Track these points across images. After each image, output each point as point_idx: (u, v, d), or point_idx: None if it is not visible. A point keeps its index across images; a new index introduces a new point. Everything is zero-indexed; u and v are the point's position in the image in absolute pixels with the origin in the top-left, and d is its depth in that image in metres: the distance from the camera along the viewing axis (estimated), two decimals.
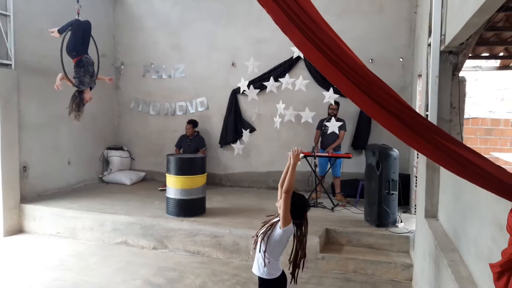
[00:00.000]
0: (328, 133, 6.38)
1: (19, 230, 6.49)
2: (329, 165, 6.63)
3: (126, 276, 4.79)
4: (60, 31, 4.64)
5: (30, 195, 6.75)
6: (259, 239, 3.00)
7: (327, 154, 6.55)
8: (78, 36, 4.61)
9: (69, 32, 4.77)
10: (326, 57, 1.94)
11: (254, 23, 7.68)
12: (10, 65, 6.42)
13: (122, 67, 8.78)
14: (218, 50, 8.10)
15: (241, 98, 7.94)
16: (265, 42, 7.63)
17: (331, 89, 6.03)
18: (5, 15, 6.34)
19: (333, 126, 6.18)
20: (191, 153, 7.41)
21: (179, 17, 8.35)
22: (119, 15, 8.80)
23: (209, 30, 8.13)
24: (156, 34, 8.50)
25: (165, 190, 6.22)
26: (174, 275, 4.84)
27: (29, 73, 6.59)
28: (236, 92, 7.85)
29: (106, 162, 8.48)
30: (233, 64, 8.00)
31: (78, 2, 4.99)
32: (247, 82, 6.71)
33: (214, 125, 8.23)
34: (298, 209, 2.98)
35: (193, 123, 7.75)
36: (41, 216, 6.39)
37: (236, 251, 5.29)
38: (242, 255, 5.24)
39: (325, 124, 6.57)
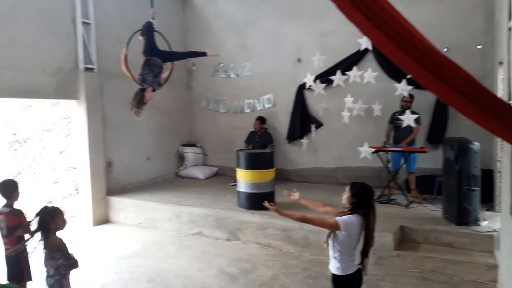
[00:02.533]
0: (402, 126, 6.13)
1: (105, 220, 7.12)
2: (402, 160, 6.37)
3: (202, 265, 5.06)
4: (142, 34, 4.99)
5: (114, 188, 7.37)
6: (328, 237, 3.02)
7: (400, 149, 6.31)
8: (149, 37, 4.88)
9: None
10: (394, 41, 1.89)
11: (319, 17, 7.63)
12: (93, 69, 7.04)
13: (194, 68, 9.20)
14: (284, 46, 8.17)
15: (307, 94, 7.94)
16: (331, 36, 7.55)
17: (404, 81, 5.82)
18: (87, 23, 6.97)
19: (408, 119, 5.94)
20: (260, 148, 7.58)
21: (244, 16, 8.56)
22: (188, 18, 9.24)
23: (274, 27, 8.23)
24: (223, 35, 8.79)
25: (235, 185, 6.45)
26: (247, 266, 5.01)
27: (110, 76, 7.10)
28: (302, 87, 7.87)
29: (181, 158, 9.01)
30: (298, 60, 8.02)
31: (152, 7, 5.32)
32: (313, 77, 6.70)
33: (281, 121, 8.32)
34: (363, 198, 2.96)
35: (261, 119, 7.93)
36: (124, 207, 6.97)
37: (307, 246, 5.33)
38: (313, 249, 5.26)
39: (398, 118, 6.33)
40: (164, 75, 4.96)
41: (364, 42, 5.95)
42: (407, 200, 6.14)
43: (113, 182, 7.38)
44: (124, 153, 7.65)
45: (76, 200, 7.83)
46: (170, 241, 6.04)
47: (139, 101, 4.54)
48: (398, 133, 6.53)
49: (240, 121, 8.66)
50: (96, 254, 5.51)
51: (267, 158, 6.28)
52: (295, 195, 3.47)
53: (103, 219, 7.10)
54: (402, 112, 6.15)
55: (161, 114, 8.38)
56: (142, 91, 4.59)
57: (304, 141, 7.26)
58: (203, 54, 5.24)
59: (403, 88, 5.87)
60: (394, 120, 6.57)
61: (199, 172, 8.66)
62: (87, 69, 6.92)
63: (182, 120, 9.23)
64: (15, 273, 3.63)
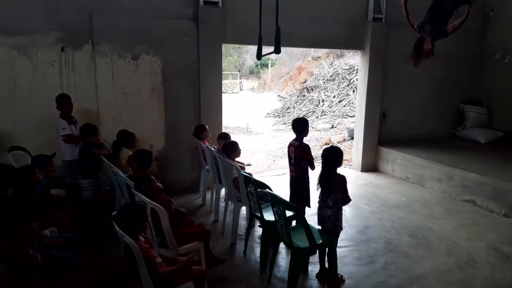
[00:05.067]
0: None
1: (373, 168, 7.49)
2: None
3: (470, 235, 4.66)
4: None
5: (386, 139, 7.54)
6: None
7: None
8: None
9: None
10: None
11: None
12: (381, 19, 7.06)
13: (491, 14, 7.87)
14: None
15: None
16: None
17: None
18: None
19: None
20: None
21: None
22: None
23: None
24: None
25: None
26: None
27: (396, 26, 6.87)
28: None
29: (460, 117, 8.19)
30: None
31: None
32: None
33: None
34: None
35: None
36: (393, 159, 7.09)
37: None
38: None
39: None
40: (456, 21, 4.34)
41: None
42: None
43: (385, 133, 7.55)
44: (400, 106, 7.62)
45: (349, 145, 8.53)
46: (435, 201, 5.80)
47: (417, 51, 4.15)
48: None
49: None
50: (362, 197, 5.94)
51: None
52: None
53: (371, 167, 7.48)
54: None
55: (443, 66, 7.72)
56: (420, 40, 4.15)
57: None
58: None
59: None
60: None
61: (480, 135, 7.68)
62: (375, 19, 7.03)
63: (468, 74, 8.22)
64: (296, 197, 4.26)
